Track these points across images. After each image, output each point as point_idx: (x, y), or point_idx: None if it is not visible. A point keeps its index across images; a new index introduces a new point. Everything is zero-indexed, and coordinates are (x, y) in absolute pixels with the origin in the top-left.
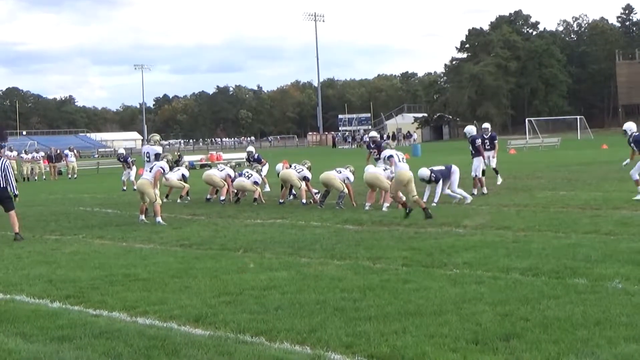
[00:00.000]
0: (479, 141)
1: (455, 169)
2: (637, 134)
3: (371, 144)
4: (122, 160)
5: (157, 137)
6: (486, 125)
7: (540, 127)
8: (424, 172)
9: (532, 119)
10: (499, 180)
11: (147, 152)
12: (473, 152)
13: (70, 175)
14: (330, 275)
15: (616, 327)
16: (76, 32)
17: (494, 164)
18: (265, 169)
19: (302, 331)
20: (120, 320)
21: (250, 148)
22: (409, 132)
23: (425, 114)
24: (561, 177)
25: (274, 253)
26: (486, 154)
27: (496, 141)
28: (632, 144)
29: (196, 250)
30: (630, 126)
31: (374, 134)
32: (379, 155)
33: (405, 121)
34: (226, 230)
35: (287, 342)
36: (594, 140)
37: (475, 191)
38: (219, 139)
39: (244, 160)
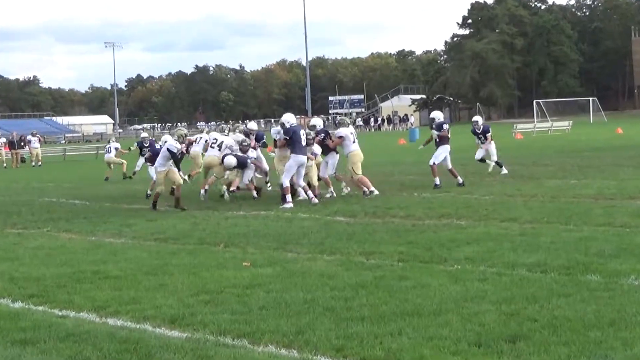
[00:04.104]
0: (446, 126)
1: None
2: None
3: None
4: (144, 146)
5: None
6: (476, 118)
7: (549, 110)
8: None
9: (540, 100)
10: (504, 170)
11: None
12: (437, 140)
13: (34, 163)
14: (319, 271)
15: (632, 327)
16: (41, 7)
17: (495, 157)
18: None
19: (289, 333)
20: (88, 321)
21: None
22: (405, 115)
23: (424, 96)
24: (572, 164)
25: (257, 248)
26: (483, 147)
27: (489, 134)
28: None
29: (172, 244)
30: None
31: (316, 121)
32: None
33: (401, 103)
34: (205, 222)
35: (272, 345)
36: (607, 124)
37: (437, 180)
38: (198, 123)
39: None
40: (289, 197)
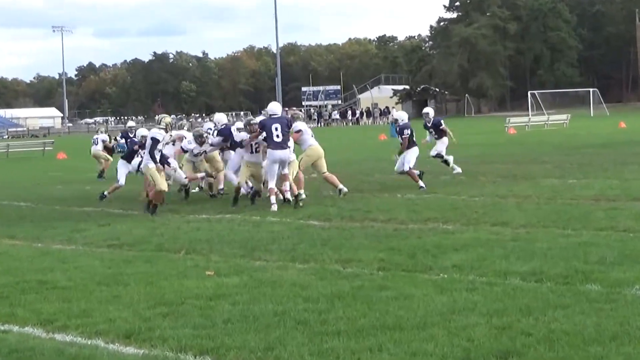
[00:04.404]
0: (407, 131)
1: None
2: None
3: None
4: (128, 137)
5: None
6: (427, 110)
7: (545, 102)
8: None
9: (535, 92)
10: (456, 169)
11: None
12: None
13: None
14: (291, 281)
15: (636, 341)
16: None
17: (443, 152)
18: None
19: (257, 349)
20: (34, 336)
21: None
22: (387, 107)
23: (407, 86)
24: (570, 162)
25: (222, 255)
26: (439, 142)
27: (442, 127)
28: None
29: (128, 251)
30: None
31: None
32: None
33: (382, 95)
34: (164, 227)
35: None
36: (609, 117)
37: (421, 183)
38: (157, 116)
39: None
40: (273, 198)
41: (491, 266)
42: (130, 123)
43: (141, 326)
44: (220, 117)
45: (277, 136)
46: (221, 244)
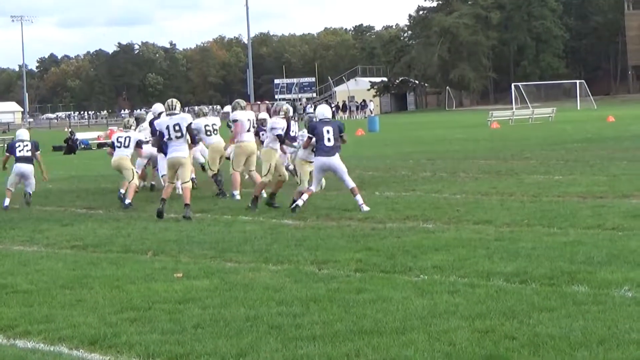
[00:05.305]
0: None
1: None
2: None
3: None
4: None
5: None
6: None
7: (529, 95)
8: None
9: (519, 84)
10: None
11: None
12: None
13: None
14: (264, 284)
15: (625, 346)
16: None
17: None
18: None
19: (228, 355)
20: None
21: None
22: (364, 101)
23: (385, 79)
24: (556, 158)
25: (191, 256)
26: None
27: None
28: None
29: (92, 253)
30: None
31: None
32: None
33: (359, 87)
34: (130, 227)
35: None
36: (597, 110)
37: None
38: (122, 111)
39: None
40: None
41: (473, 267)
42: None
43: (107, 332)
44: (158, 107)
45: (329, 140)
46: (191, 245)
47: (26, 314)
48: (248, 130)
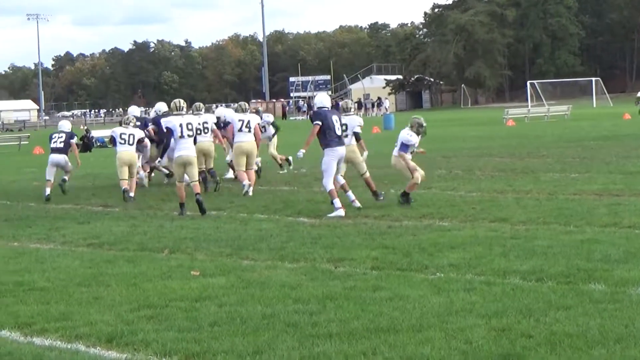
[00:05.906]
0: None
1: None
2: None
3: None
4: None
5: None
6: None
7: (545, 92)
8: None
9: (535, 81)
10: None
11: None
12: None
13: None
14: (280, 281)
15: None
16: None
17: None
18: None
19: (245, 353)
20: (11, 340)
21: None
22: (379, 98)
23: (400, 76)
24: (572, 156)
25: (208, 254)
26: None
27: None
28: None
29: (108, 251)
30: None
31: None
32: None
33: (374, 85)
34: (146, 225)
35: None
36: (613, 108)
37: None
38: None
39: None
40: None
41: (490, 265)
42: (160, 105)
43: (123, 329)
44: (161, 106)
45: (338, 129)
46: (207, 243)
47: (43, 311)
48: (240, 130)
